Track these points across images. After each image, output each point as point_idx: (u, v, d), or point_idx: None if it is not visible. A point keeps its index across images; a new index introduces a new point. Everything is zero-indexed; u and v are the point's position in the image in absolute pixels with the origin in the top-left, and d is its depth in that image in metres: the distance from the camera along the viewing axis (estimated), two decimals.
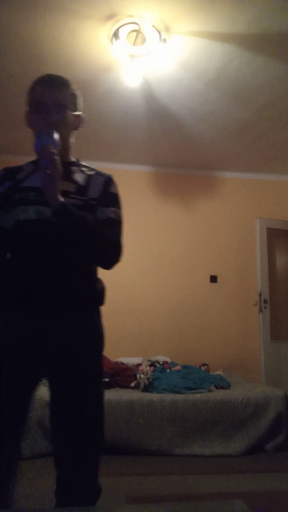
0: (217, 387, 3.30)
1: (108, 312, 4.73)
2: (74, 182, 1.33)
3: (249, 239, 4.68)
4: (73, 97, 1.39)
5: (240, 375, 3.95)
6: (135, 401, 2.96)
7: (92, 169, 1.42)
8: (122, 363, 3.80)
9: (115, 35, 2.52)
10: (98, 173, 1.41)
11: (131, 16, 2.40)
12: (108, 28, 2.49)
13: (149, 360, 3.87)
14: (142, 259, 4.47)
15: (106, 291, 1.42)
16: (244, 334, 4.49)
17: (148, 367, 3.57)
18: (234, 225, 4.70)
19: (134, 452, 2.86)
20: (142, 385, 3.20)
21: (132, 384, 3.33)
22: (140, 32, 2.47)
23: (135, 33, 2.49)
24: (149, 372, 3.42)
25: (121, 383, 3.42)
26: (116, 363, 3.79)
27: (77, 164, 1.42)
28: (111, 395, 3.00)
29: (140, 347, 4.21)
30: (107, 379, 3.34)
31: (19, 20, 2.43)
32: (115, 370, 3.55)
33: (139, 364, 3.78)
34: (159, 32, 2.49)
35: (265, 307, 4.54)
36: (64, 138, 1.32)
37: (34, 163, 1.37)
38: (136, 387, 3.27)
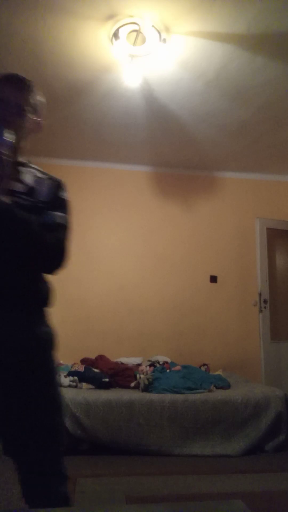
0: (217, 387, 3.30)
1: (108, 312, 4.75)
2: (23, 182, 1.30)
3: (249, 239, 4.68)
4: (36, 102, 1.36)
5: (240, 375, 3.95)
6: (135, 401, 2.96)
7: (43, 173, 1.39)
8: (122, 363, 3.80)
9: (115, 35, 2.52)
10: (50, 177, 1.38)
11: (131, 16, 2.40)
12: (108, 28, 2.49)
13: (149, 360, 3.87)
14: (142, 259, 4.47)
15: (52, 293, 1.36)
16: (244, 334, 4.49)
17: (148, 367, 3.57)
18: (234, 225, 4.70)
19: (134, 452, 2.86)
20: (142, 385, 3.21)
21: (132, 384, 3.33)
22: (140, 32, 2.47)
23: (135, 33, 2.49)
24: (149, 372, 3.42)
25: (121, 383, 3.42)
26: (116, 363, 3.80)
27: (27, 165, 1.38)
28: (111, 395, 3.00)
29: (140, 347, 4.21)
30: (107, 379, 3.34)
31: (19, 20, 2.43)
32: (115, 370, 3.55)
33: (139, 364, 3.78)
34: (159, 32, 2.49)
35: (265, 307, 4.53)
36: (18, 140, 1.29)
37: None
38: (136, 387, 3.28)
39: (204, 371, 3.73)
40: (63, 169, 4.37)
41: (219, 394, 3.10)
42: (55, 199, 1.33)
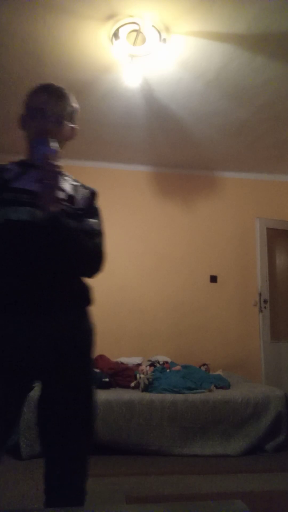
0: (217, 387, 3.30)
1: (108, 312, 4.75)
2: (63, 190, 1.36)
3: (249, 239, 4.68)
4: (72, 109, 1.43)
5: (240, 375, 3.95)
6: (135, 401, 2.96)
7: (75, 180, 1.47)
8: (122, 363, 3.80)
9: (115, 35, 2.52)
10: (83, 185, 1.46)
11: (131, 16, 2.40)
12: (108, 28, 2.49)
13: (149, 360, 3.87)
14: (142, 259, 4.47)
15: (92, 292, 1.43)
16: (244, 334, 4.49)
17: (148, 367, 3.57)
18: (234, 225, 4.70)
19: (134, 452, 2.86)
20: (142, 385, 3.20)
21: (132, 384, 3.33)
22: (140, 32, 2.47)
23: (135, 33, 2.49)
24: (149, 372, 3.42)
25: (121, 383, 3.42)
26: (116, 363, 3.79)
27: (62, 172, 1.42)
28: (111, 395, 3.00)
29: (140, 347, 4.21)
30: (107, 379, 3.34)
31: (19, 20, 2.43)
32: (115, 370, 3.55)
33: (139, 364, 3.78)
34: (159, 32, 2.49)
35: (265, 307, 4.53)
36: (60, 147, 1.34)
37: (21, 164, 1.38)
38: (136, 387, 3.27)
39: (204, 371, 3.73)
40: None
41: (219, 394, 3.09)
42: (90, 207, 1.42)
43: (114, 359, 3.88)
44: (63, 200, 1.30)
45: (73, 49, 2.69)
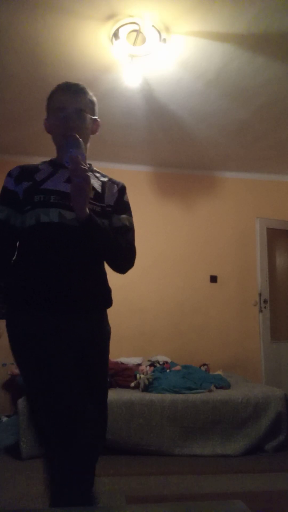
0: (217, 387, 3.30)
1: (108, 312, 4.72)
2: (92, 188, 1.37)
3: (249, 239, 4.68)
4: (91, 102, 1.45)
5: (240, 375, 3.95)
6: (135, 401, 2.96)
7: (104, 175, 1.47)
8: (122, 363, 3.80)
9: (115, 35, 2.52)
10: (112, 180, 1.47)
11: (131, 16, 2.40)
12: (108, 28, 2.49)
13: (149, 360, 3.87)
14: (142, 259, 4.43)
15: (111, 294, 1.49)
16: (244, 334, 4.49)
17: (148, 367, 3.57)
18: (234, 225, 4.70)
19: (134, 452, 2.86)
20: (142, 385, 3.21)
21: (132, 384, 3.33)
22: (140, 32, 2.47)
23: (135, 33, 2.49)
24: (149, 372, 3.42)
25: (121, 383, 3.42)
26: (116, 363, 3.79)
27: (91, 169, 1.46)
28: (111, 395, 2.99)
29: (140, 347, 4.21)
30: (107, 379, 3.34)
31: (19, 20, 2.43)
32: (115, 370, 3.55)
33: (139, 364, 3.78)
34: (159, 32, 2.49)
35: (265, 307, 4.53)
36: (84, 143, 1.36)
37: (52, 163, 1.41)
38: (136, 387, 3.28)
39: (204, 371, 3.73)
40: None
41: (219, 394, 3.10)
42: (120, 202, 1.44)
43: (114, 359, 3.88)
44: (91, 199, 1.32)
45: (73, 49, 2.69)
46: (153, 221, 4.56)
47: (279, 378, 4.38)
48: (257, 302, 4.55)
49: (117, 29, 2.48)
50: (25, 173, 1.38)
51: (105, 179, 1.45)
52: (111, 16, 2.40)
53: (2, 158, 4.00)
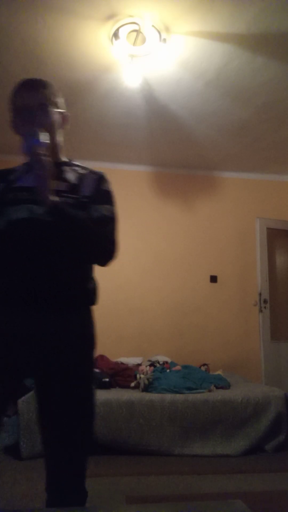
0: (217, 387, 3.30)
1: (108, 312, 4.74)
2: (66, 180, 1.33)
3: (249, 239, 4.68)
4: (54, 96, 1.39)
5: (240, 375, 3.95)
6: (135, 401, 2.96)
7: (85, 168, 1.42)
8: (122, 363, 3.80)
9: (115, 35, 2.52)
10: (91, 172, 1.41)
11: (131, 16, 2.40)
12: (108, 28, 2.49)
13: (149, 360, 3.87)
14: (142, 259, 4.47)
15: (98, 290, 1.40)
16: (244, 334, 4.49)
17: (148, 367, 3.57)
18: (234, 225, 4.71)
19: (134, 452, 2.86)
20: (142, 385, 3.20)
21: (132, 384, 3.33)
22: (140, 32, 2.47)
23: (135, 33, 2.49)
24: (149, 372, 3.42)
25: (121, 383, 3.42)
26: (116, 363, 3.79)
27: (69, 163, 1.42)
28: (111, 395, 3.00)
29: (140, 347, 4.21)
30: (107, 379, 3.34)
31: (19, 20, 2.43)
32: (115, 370, 3.55)
33: (139, 364, 3.78)
34: (159, 32, 2.49)
35: (265, 307, 4.53)
36: (52, 137, 1.32)
37: (26, 163, 1.37)
38: (136, 387, 3.27)
39: (204, 371, 3.73)
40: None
41: (219, 394, 3.09)
42: (98, 192, 1.35)
43: (114, 359, 3.88)
44: (64, 191, 1.28)
45: (73, 49, 2.69)
46: (153, 221, 4.57)
47: (279, 378, 4.38)
48: (257, 302, 4.55)
49: (117, 29, 2.48)
50: (0, 176, 1.37)
51: (84, 172, 1.40)
52: (111, 16, 2.40)
53: (2, 158, 4.00)
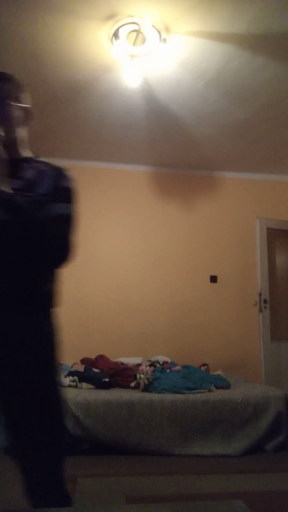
0: (217, 387, 3.30)
1: (108, 312, 4.74)
2: (22, 178, 1.26)
3: (249, 239, 4.68)
4: (16, 90, 1.32)
5: (240, 375, 3.95)
6: (135, 401, 2.96)
7: (47, 165, 1.34)
8: (122, 363, 3.80)
9: (115, 35, 2.52)
10: (51, 168, 1.32)
11: (131, 16, 2.40)
12: (108, 28, 2.49)
13: (149, 360, 3.87)
14: (142, 259, 4.47)
15: (58, 293, 1.33)
16: (244, 334, 4.49)
17: (148, 367, 3.57)
18: (234, 225, 4.70)
19: (134, 452, 2.86)
20: (142, 385, 3.21)
21: (132, 384, 3.33)
22: (140, 32, 2.47)
23: (135, 33, 2.49)
24: (149, 372, 3.42)
25: (121, 383, 3.42)
26: (116, 363, 3.79)
27: (29, 160, 1.35)
28: (111, 395, 3.00)
29: (140, 347, 4.21)
30: (107, 379, 3.34)
31: (19, 20, 2.43)
32: (115, 370, 3.55)
33: (139, 364, 3.78)
34: (159, 32, 2.49)
35: (265, 307, 4.53)
36: (9, 132, 1.26)
37: None
38: (136, 387, 3.27)
39: (204, 371, 3.73)
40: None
41: (219, 394, 3.09)
42: (56, 189, 1.27)
43: (114, 359, 3.88)
44: (16, 189, 1.21)
45: (73, 49, 2.69)
46: (153, 221, 4.57)
47: (279, 378, 4.38)
48: (257, 302, 4.55)
49: (117, 29, 2.48)
50: None
51: (45, 168, 1.32)
52: (111, 16, 2.40)
53: None
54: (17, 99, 1.31)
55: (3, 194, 1.13)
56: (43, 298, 1.29)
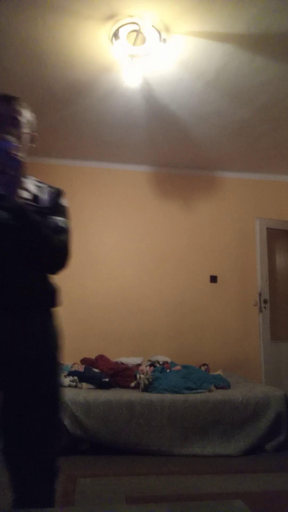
0: (217, 387, 3.30)
1: (108, 312, 4.75)
2: (28, 191, 1.36)
3: (249, 239, 4.68)
4: (28, 117, 1.43)
5: (240, 375, 3.95)
6: (135, 401, 2.96)
7: (42, 182, 1.47)
8: (122, 363, 3.80)
9: (115, 35, 2.52)
10: (49, 186, 1.47)
11: (131, 16, 2.40)
12: (108, 28, 2.49)
13: (149, 360, 3.87)
14: (142, 259, 4.47)
15: (58, 293, 1.42)
16: (244, 334, 4.49)
17: (148, 367, 3.57)
18: (234, 225, 4.70)
19: (134, 452, 2.86)
20: (142, 385, 3.21)
21: (132, 384, 3.33)
22: (140, 32, 2.47)
23: (135, 33, 2.49)
24: (149, 372, 3.42)
25: (121, 383, 3.42)
26: (116, 363, 3.80)
27: (28, 178, 1.45)
28: (111, 395, 3.00)
29: (140, 347, 4.21)
30: (107, 379, 3.34)
31: (19, 20, 2.43)
32: (115, 370, 3.55)
33: (139, 364, 3.78)
34: (159, 32, 2.49)
35: (265, 307, 4.53)
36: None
37: None
38: (136, 387, 3.28)
39: (204, 371, 3.73)
40: (63, 169, 4.38)
41: (219, 394, 3.09)
42: (56, 205, 1.42)
43: (114, 359, 3.89)
44: (27, 199, 1.30)
45: (73, 49, 2.69)
46: (153, 221, 4.57)
47: (279, 378, 4.38)
48: (257, 302, 4.55)
49: (117, 29, 2.48)
50: None
51: (42, 185, 1.46)
52: (111, 16, 2.40)
53: None
54: (28, 126, 1.42)
55: (16, 202, 1.22)
56: (44, 299, 1.36)
